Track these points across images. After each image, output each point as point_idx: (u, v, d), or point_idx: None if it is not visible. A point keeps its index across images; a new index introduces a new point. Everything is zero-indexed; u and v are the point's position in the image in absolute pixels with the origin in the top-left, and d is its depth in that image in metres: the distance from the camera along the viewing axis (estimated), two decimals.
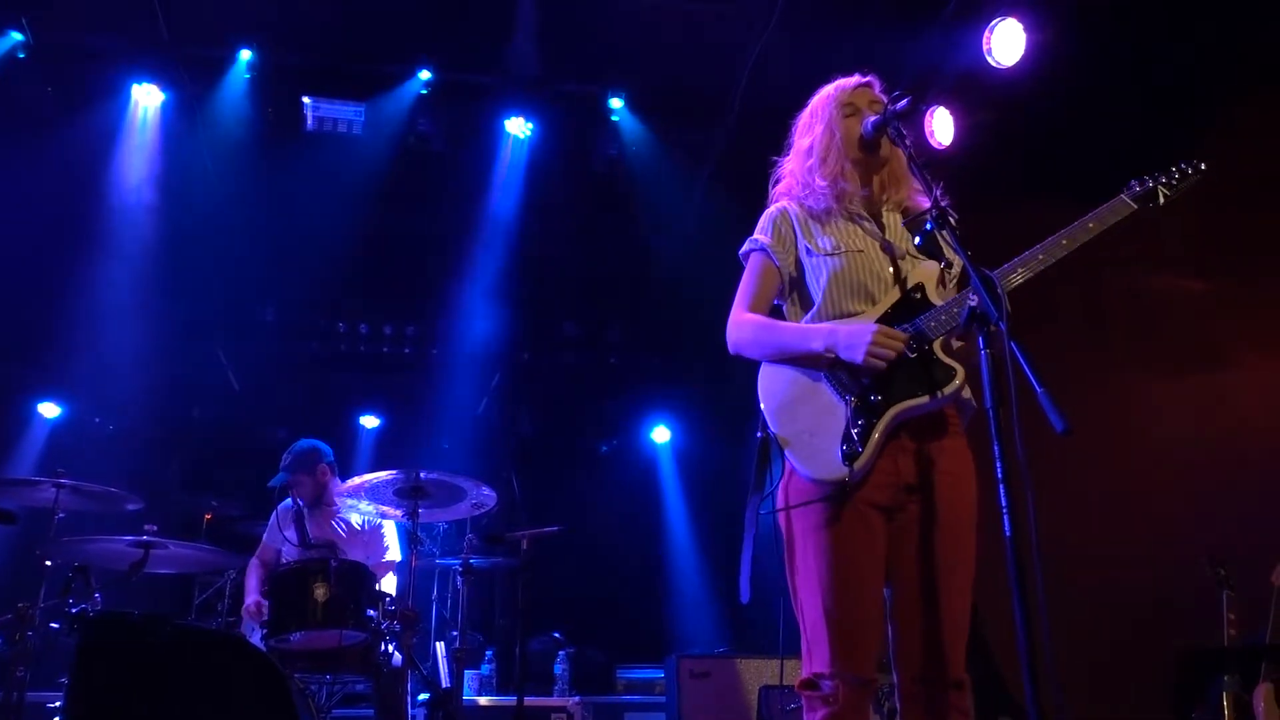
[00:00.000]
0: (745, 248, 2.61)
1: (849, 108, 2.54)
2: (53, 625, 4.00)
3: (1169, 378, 6.19)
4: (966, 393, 2.41)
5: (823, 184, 2.51)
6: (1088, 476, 5.58)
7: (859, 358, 2.27)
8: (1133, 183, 2.46)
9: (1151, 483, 5.84)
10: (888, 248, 2.48)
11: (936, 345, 2.32)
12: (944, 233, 2.26)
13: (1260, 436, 5.84)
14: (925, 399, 2.28)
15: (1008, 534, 1.93)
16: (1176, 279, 6.40)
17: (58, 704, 3.92)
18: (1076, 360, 5.95)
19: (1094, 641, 5.20)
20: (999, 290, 2.11)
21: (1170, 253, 6.25)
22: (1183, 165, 2.47)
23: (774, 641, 4.87)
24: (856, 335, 2.30)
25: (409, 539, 4.38)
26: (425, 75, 6.71)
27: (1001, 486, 1.95)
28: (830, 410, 2.33)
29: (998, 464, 1.97)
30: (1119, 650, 5.32)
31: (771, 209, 2.62)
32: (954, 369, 2.29)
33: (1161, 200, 2.44)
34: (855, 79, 2.60)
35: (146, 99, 6.67)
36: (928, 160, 2.42)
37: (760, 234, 2.58)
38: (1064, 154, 5.74)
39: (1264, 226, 6.08)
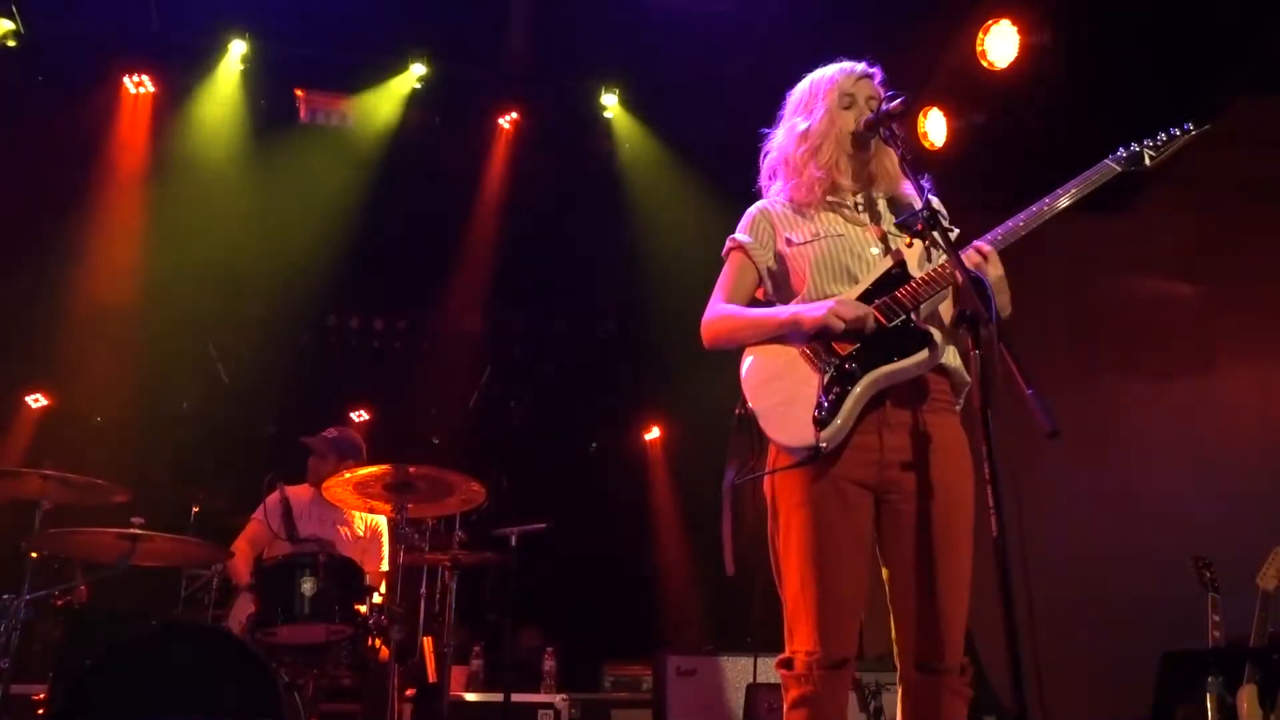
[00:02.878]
0: (725, 246, 2.63)
1: (848, 98, 2.52)
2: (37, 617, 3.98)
3: (1156, 380, 6.22)
4: (955, 360, 2.40)
5: (818, 174, 2.50)
6: (1074, 478, 5.61)
7: (819, 314, 2.30)
8: (1119, 148, 2.44)
9: (1137, 484, 5.87)
10: (870, 230, 2.49)
11: (914, 315, 2.31)
12: (935, 233, 2.27)
13: (1246, 439, 5.87)
14: (901, 364, 2.27)
15: (995, 535, 1.93)
16: (1164, 282, 6.43)
17: (42, 696, 3.90)
18: (1064, 362, 5.98)
19: (1079, 642, 5.23)
20: (989, 291, 2.12)
21: (1158, 256, 6.28)
22: (1170, 130, 2.45)
23: (758, 639, 4.89)
24: (821, 303, 2.34)
25: (396, 534, 4.37)
26: (418, 68, 6.70)
27: (989, 487, 1.96)
28: (806, 381, 2.33)
29: (986, 464, 1.98)
30: (1103, 650, 5.35)
31: (751, 209, 2.63)
32: (929, 334, 2.29)
33: (1148, 162, 2.42)
34: (860, 68, 2.57)
35: (138, 89, 6.64)
36: (920, 160, 2.42)
37: (739, 233, 2.61)
38: (1056, 156, 5.74)
39: (1252, 231, 6.11)
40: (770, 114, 2.73)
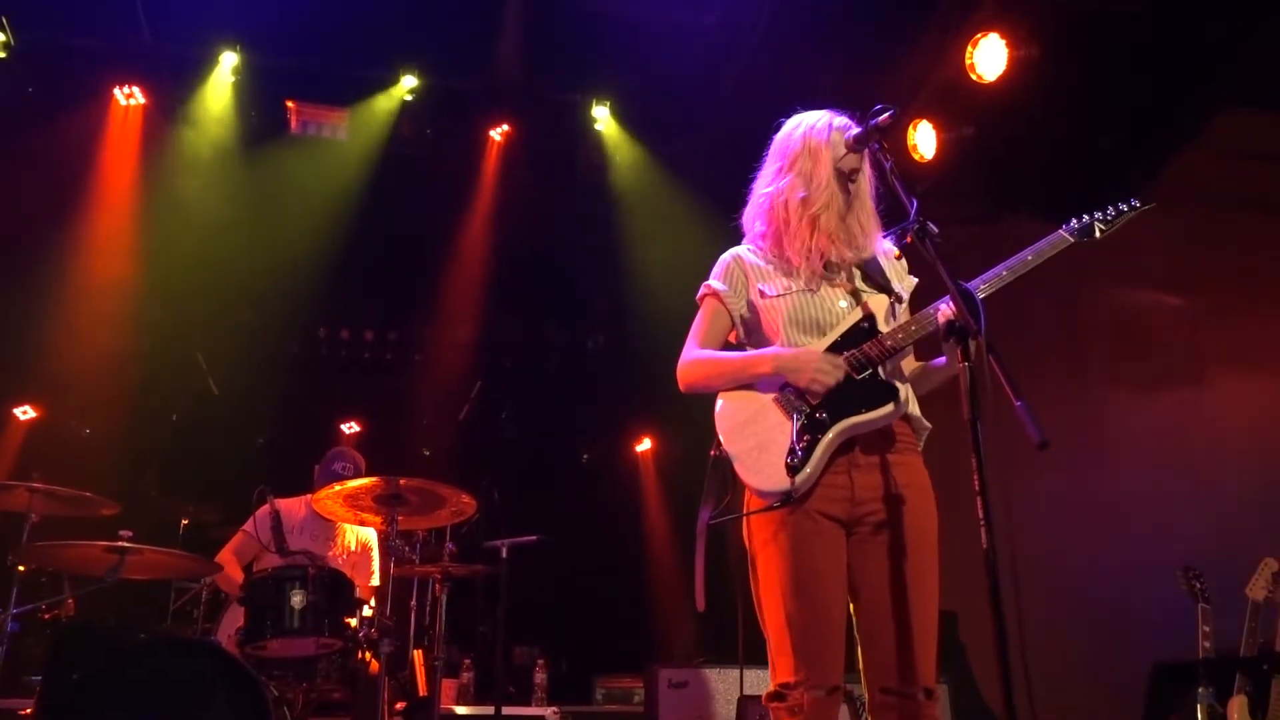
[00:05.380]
0: (700, 292, 2.68)
1: (837, 174, 2.53)
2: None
3: (1144, 391, 6.24)
4: (915, 409, 2.51)
5: (818, 243, 2.50)
6: (1064, 489, 5.62)
7: (802, 382, 2.39)
8: (1071, 219, 2.56)
9: (1127, 495, 5.89)
10: (840, 285, 2.54)
11: (882, 369, 2.41)
12: (925, 243, 2.28)
13: (1235, 450, 5.90)
14: (868, 415, 2.37)
15: (985, 546, 1.94)
16: (1154, 294, 6.46)
17: (29, 711, 3.87)
18: (1054, 374, 6.00)
19: (1069, 653, 5.23)
20: (977, 303, 2.14)
21: (1149, 268, 6.32)
22: (1120, 205, 2.57)
23: (749, 652, 4.89)
24: (801, 360, 2.41)
25: (387, 546, 4.35)
26: (410, 80, 6.71)
27: (978, 498, 1.97)
28: (779, 427, 2.41)
29: (975, 476, 1.98)
30: (1094, 662, 5.35)
31: (725, 256, 2.66)
32: (896, 389, 2.40)
33: (1098, 234, 2.55)
34: (852, 136, 2.52)
35: (129, 101, 6.63)
36: (909, 173, 2.45)
37: (714, 280, 2.65)
38: (1044, 168, 5.79)
39: (1238, 242, 6.15)
40: (759, 129, 2.73)
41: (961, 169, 5.77)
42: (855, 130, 2.51)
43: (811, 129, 2.59)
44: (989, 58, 5.24)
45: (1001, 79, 5.23)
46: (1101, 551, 5.67)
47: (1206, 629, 4.36)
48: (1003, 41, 5.20)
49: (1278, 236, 6.12)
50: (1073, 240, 2.53)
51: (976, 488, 1.98)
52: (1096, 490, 5.90)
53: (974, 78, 5.28)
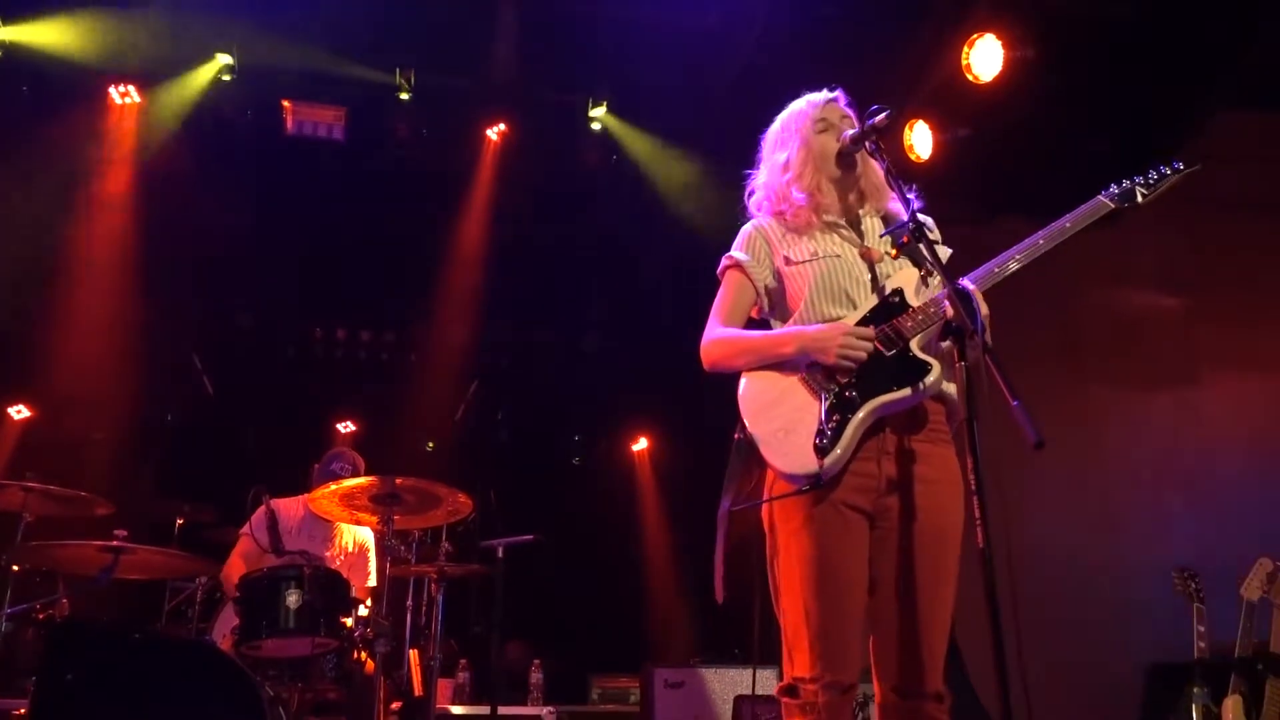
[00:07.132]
0: (721, 265, 2.62)
1: (821, 124, 2.55)
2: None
3: (1140, 392, 6.25)
4: (952, 388, 2.40)
5: (800, 197, 2.51)
6: (1060, 490, 5.62)
7: (829, 359, 2.30)
8: (1111, 185, 2.49)
9: (1122, 496, 5.89)
10: (866, 253, 2.50)
11: (914, 343, 2.32)
12: (921, 246, 2.28)
13: (1230, 450, 5.91)
14: (901, 393, 2.29)
15: (981, 546, 1.94)
16: (1147, 295, 6.47)
17: (23, 711, 3.86)
18: (1049, 375, 6.00)
19: (1065, 653, 5.23)
20: (974, 304, 2.13)
21: (1141, 269, 6.33)
22: (1161, 168, 2.50)
23: (748, 651, 4.89)
24: (825, 337, 2.33)
25: (383, 546, 4.35)
26: (406, 80, 6.70)
27: (975, 498, 1.96)
28: (806, 408, 2.32)
29: (972, 476, 1.98)
30: (1090, 662, 5.36)
31: (747, 227, 2.62)
32: (930, 364, 2.30)
33: (1140, 199, 2.47)
34: (823, 94, 2.61)
35: (124, 100, 6.62)
36: (905, 173, 2.44)
37: (735, 251, 2.60)
38: (1040, 168, 5.79)
39: (1233, 244, 6.16)
40: (756, 130, 2.74)
41: (957, 169, 5.77)
42: (851, 131, 2.51)
43: (786, 112, 2.64)
44: (985, 59, 5.25)
45: (998, 80, 5.24)
46: (1097, 551, 5.68)
47: (1202, 629, 4.36)
48: (999, 43, 5.21)
49: (1273, 238, 6.13)
50: (1113, 206, 2.44)
51: (973, 487, 1.98)
52: (1092, 490, 5.90)
53: (970, 78, 5.29)
